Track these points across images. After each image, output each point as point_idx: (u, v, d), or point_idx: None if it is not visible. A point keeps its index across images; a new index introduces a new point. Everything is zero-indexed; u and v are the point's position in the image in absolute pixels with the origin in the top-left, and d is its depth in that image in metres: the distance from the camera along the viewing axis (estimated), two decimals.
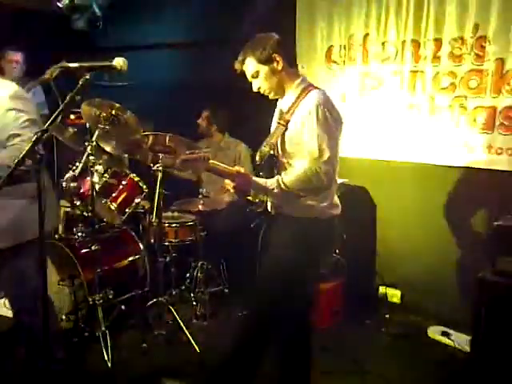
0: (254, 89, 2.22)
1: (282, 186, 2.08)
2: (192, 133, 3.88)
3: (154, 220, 3.25)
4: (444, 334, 3.27)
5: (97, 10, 4.63)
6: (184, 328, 3.13)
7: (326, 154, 2.03)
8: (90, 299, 3.03)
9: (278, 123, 2.21)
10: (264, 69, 2.14)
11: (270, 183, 2.11)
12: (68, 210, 4.02)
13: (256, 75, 2.17)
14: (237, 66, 2.21)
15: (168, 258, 3.54)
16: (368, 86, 3.58)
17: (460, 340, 3.16)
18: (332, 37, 3.70)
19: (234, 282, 3.79)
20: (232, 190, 2.21)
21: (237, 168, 2.20)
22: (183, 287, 3.69)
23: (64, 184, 2.93)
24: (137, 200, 3.34)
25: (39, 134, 2.01)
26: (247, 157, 4.04)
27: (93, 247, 2.99)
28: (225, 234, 3.71)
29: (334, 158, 2.08)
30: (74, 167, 2.97)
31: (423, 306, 3.51)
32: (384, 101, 3.53)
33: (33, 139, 2.00)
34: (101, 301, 3.01)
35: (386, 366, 2.97)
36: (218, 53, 4.12)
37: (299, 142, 2.11)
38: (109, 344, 2.89)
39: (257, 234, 3.82)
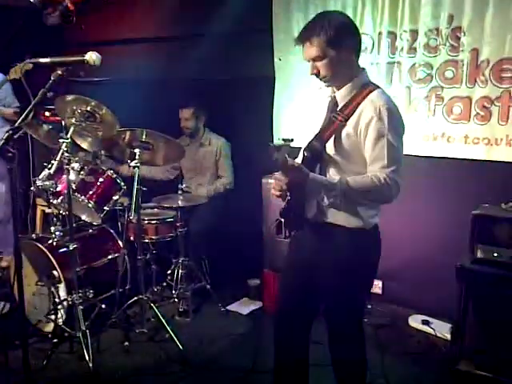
0: (311, 72, 1.99)
1: (346, 186, 1.88)
2: (169, 128, 3.84)
3: (132, 217, 3.22)
4: (424, 322, 3.31)
5: (69, 5, 4.54)
6: (166, 325, 3.11)
7: (396, 164, 1.88)
8: (69, 299, 2.98)
9: (334, 117, 1.98)
10: (331, 54, 1.91)
11: (330, 183, 1.90)
12: (44, 208, 3.97)
13: (319, 58, 1.93)
14: (297, 40, 1.97)
15: (148, 255, 3.52)
16: None
17: (440, 328, 3.21)
18: None
19: (216, 278, 3.77)
20: (277, 194, 1.96)
21: (291, 161, 1.88)
22: (164, 284, 3.68)
23: (39, 183, 2.87)
24: (115, 197, 3.29)
25: (11, 131, 1.97)
26: (227, 152, 4.02)
27: (71, 246, 2.94)
28: (206, 230, 3.69)
29: (401, 166, 1.92)
30: (50, 165, 2.90)
31: (404, 295, 3.55)
32: None
33: (4, 137, 1.95)
34: (80, 300, 2.96)
35: (368, 356, 2.98)
36: (194, 47, 4.08)
37: (360, 144, 1.93)
38: (89, 344, 2.85)
39: (238, 227, 3.84)
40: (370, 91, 1.96)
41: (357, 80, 1.99)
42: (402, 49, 3.32)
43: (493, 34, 2.99)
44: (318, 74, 1.99)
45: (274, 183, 1.98)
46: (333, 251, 2.04)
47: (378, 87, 2.00)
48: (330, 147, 1.99)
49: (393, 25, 3.33)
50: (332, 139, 1.98)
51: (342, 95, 2.02)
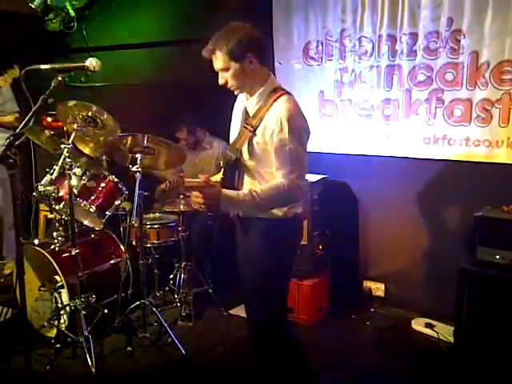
0: (220, 82, 2.08)
1: (257, 197, 2.01)
2: (170, 132, 3.85)
3: (134, 221, 3.22)
4: (428, 325, 3.30)
5: (71, 11, 4.57)
6: (169, 330, 3.11)
7: (299, 170, 2.00)
8: (72, 304, 2.98)
9: (245, 127, 2.10)
10: (234, 66, 2.00)
11: (243, 195, 2.04)
12: (47, 214, 3.98)
13: (224, 70, 2.03)
14: (205, 53, 2.06)
15: (150, 260, 3.52)
16: (345, 81, 3.59)
17: (443, 331, 3.20)
18: (308, 33, 3.69)
19: (218, 282, 3.77)
20: (201, 207, 2.06)
21: (203, 178, 2.07)
22: (167, 288, 3.68)
23: (41, 188, 2.89)
24: (117, 202, 3.30)
25: (12, 138, 1.98)
26: None
27: (73, 251, 2.95)
28: (208, 234, 3.69)
29: (305, 171, 2.07)
30: (51, 171, 2.92)
31: (407, 298, 3.54)
32: (362, 95, 3.54)
33: (5, 143, 1.96)
34: (83, 305, 2.97)
35: (372, 360, 2.99)
36: (194, 51, 4.08)
37: (268, 151, 2.04)
38: (92, 349, 2.85)
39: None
40: (275, 99, 2.04)
41: (265, 88, 2.08)
42: (402, 52, 3.32)
43: (492, 36, 2.99)
44: (226, 84, 2.08)
45: (195, 199, 2.08)
46: (251, 241, 2.18)
47: (285, 93, 2.07)
48: (244, 154, 2.11)
49: (392, 28, 3.33)
50: (245, 147, 2.09)
51: (252, 105, 2.11)
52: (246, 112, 2.16)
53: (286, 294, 2.29)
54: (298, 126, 1.99)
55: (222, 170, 2.19)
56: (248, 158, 2.11)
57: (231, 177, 2.14)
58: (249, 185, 2.14)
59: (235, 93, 2.16)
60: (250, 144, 2.08)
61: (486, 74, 3.04)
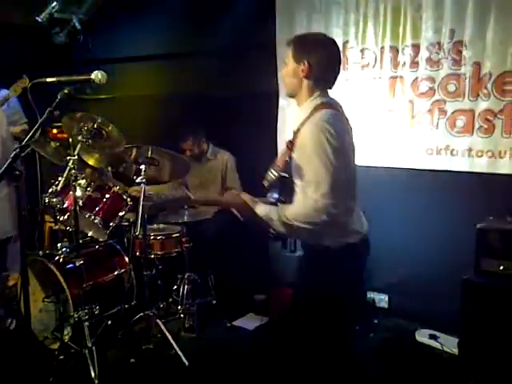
0: (280, 73, 2.14)
1: (284, 219, 1.95)
2: (175, 143, 3.88)
3: (138, 233, 3.23)
4: (432, 336, 3.28)
5: (77, 24, 4.63)
6: (172, 341, 3.10)
7: (324, 187, 1.87)
8: (76, 315, 2.99)
9: (287, 144, 2.06)
10: (291, 64, 2.02)
11: (272, 213, 1.99)
12: (52, 225, 4.00)
13: (286, 64, 2.07)
14: (287, 42, 2.08)
15: (154, 271, 3.51)
16: (348, 92, 3.61)
17: (448, 342, 3.18)
18: None
19: (222, 293, 3.77)
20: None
21: (233, 194, 2.08)
22: (170, 300, 3.67)
23: (46, 199, 2.91)
24: (121, 213, 3.31)
25: (18, 150, 2.00)
26: (233, 166, 4.04)
27: (77, 262, 2.95)
28: (211, 245, 3.70)
29: (337, 190, 1.88)
30: (57, 182, 2.94)
31: (411, 309, 3.52)
32: (364, 107, 3.56)
33: (12, 155, 1.98)
34: (86, 317, 2.97)
35: (375, 371, 2.97)
36: (197, 63, 4.13)
37: (301, 167, 1.97)
38: (95, 360, 2.85)
39: (244, 242, 3.84)
40: (319, 110, 1.97)
41: (311, 100, 2.03)
42: (405, 63, 3.35)
43: (494, 47, 3.01)
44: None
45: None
46: (299, 265, 2.16)
47: (327, 108, 1.98)
48: (287, 171, 2.04)
49: (395, 39, 3.36)
50: (286, 164, 2.03)
51: (297, 119, 2.07)
52: (293, 131, 2.10)
53: (333, 320, 2.12)
54: (323, 142, 1.87)
55: (265, 189, 2.12)
56: (292, 175, 2.03)
57: (284, 195, 2.05)
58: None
59: (285, 92, 2.14)
60: (290, 160, 2.02)
61: (489, 84, 3.06)
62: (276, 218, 1.97)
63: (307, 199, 1.92)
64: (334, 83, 2.09)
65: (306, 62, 1.98)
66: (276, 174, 2.06)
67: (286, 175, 2.04)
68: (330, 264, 2.03)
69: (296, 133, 2.03)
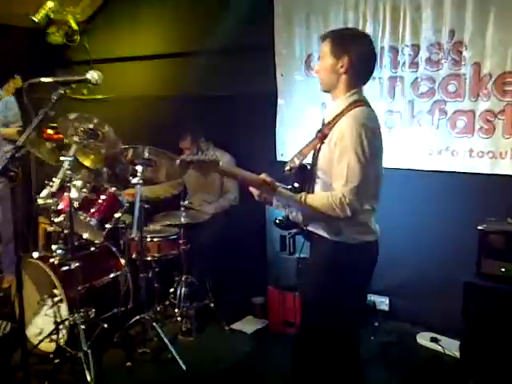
0: (315, 68, 2.16)
1: (303, 203, 1.97)
2: (172, 144, 3.84)
3: (135, 235, 3.19)
4: (433, 339, 3.25)
5: (73, 25, 4.61)
6: (169, 345, 3.06)
7: (354, 183, 1.87)
8: (71, 318, 2.94)
9: (317, 134, 2.07)
10: (328, 60, 2.01)
11: (293, 198, 2.00)
12: (47, 227, 3.95)
13: (322, 58, 2.05)
14: (320, 36, 2.10)
15: (151, 273, 3.47)
16: None
17: (449, 345, 3.15)
18: (310, 45, 3.69)
19: (220, 296, 3.73)
20: (256, 198, 2.10)
21: (263, 176, 2.02)
22: (167, 303, 3.63)
23: (41, 201, 2.87)
24: (117, 215, 3.27)
25: (14, 150, 1.97)
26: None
27: (72, 265, 2.92)
28: (209, 247, 3.66)
29: (365, 188, 1.91)
30: (52, 183, 2.90)
31: (412, 312, 3.49)
32: None
33: (7, 156, 1.95)
34: (82, 320, 2.93)
35: (376, 374, 2.93)
36: (196, 64, 4.11)
37: (332, 161, 1.96)
38: (91, 364, 2.80)
39: (242, 244, 3.81)
40: (355, 107, 1.97)
41: (347, 96, 2.02)
42: (404, 63, 3.32)
43: (494, 47, 2.99)
44: (318, 73, 2.10)
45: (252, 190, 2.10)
46: (314, 262, 2.13)
47: (364, 105, 2.00)
48: (312, 162, 2.07)
49: (394, 40, 3.33)
50: (313, 155, 2.06)
51: (330, 110, 2.07)
52: (323, 121, 2.10)
53: (349, 326, 2.17)
54: (361, 137, 1.88)
55: (285, 175, 2.13)
56: (316, 166, 2.06)
57: (302, 184, 2.09)
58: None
59: (320, 87, 2.12)
60: (318, 152, 2.04)
61: (489, 85, 3.04)
62: (297, 202, 1.98)
63: (334, 192, 1.91)
64: (368, 79, 2.10)
65: (346, 58, 1.97)
66: (299, 161, 2.08)
67: (309, 165, 2.07)
68: (349, 260, 2.01)
69: (329, 124, 2.01)
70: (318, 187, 2.07)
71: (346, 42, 2.00)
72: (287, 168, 2.12)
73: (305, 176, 2.10)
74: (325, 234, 2.05)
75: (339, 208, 1.88)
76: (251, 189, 2.09)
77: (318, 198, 1.99)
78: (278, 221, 2.19)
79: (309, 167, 2.11)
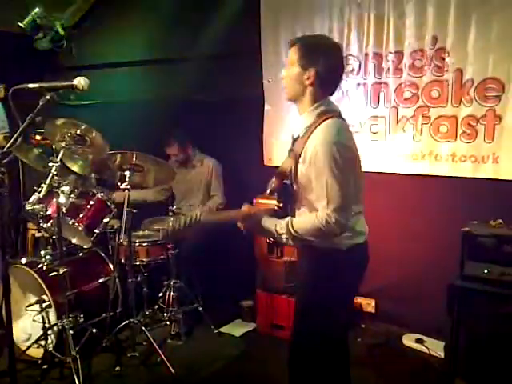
0: (281, 74, 2.06)
1: (292, 231, 1.96)
2: (160, 150, 3.86)
3: (123, 239, 3.21)
4: (418, 341, 3.30)
5: (60, 30, 4.60)
6: (158, 349, 3.07)
7: (336, 202, 1.86)
8: (60, 323, 2.94)
9: (289, 153, 2.04)
10: (295, 69, 1.96)
11: (280, 228, 1.99)
12: (35, 232, 3.94)
13: (289, 65, 2.00)
14: (288, 41, 2.04)
15: (139, 278, 3.48)
16: (333, 98, 3.60)
17: (434, 346, 3.20)
18: None
19: (208, 300, 3.74)
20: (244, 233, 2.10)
21: (245, 209, 2.05)
22: (156, 307, 3.64)
23: (29, 206, 2.87)
24: (105, 220, 3.28)
25: (0, 156, 1.97)
26: (218, 174, 4.03)
27: (61, 270, 2.92)
28: (197, 251, 3.67)
29: (347, 202, 1.90)
30: (40, 189, 2.90)
31: (397, 314, 3.54)
32: (349, 112, 3.57)
33: None
34: (71, 325, 2.93)
35: (363, 376, 2.97)
36: (183, 69, 4.13)
37: (309, 179, 1.94)
38: (80, 369, 2.81)
39: (230, 248, 3.83)
40: (321, 123, 1.93)
41: (314, 108, 1.99)
42: (388, 70, 3.38)
43: (476, 54, 3.05)
44: (283, 79, 2.05)
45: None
46: (305, 269, 2.13)
47: (332, 117, 1.96)
48: (290, 181, 2.03)
49: (378, 46, 3.39)
50: (291, 173, 2.01)
51: (300, 125, 2.02)
52: (292, 137, 2.07)
53: (341, 329, 2.19)
54: (335, 156, 1.84)
55: (276, 194, 2.12)
56: (295, 184, 2.03)
57: (284, 203, 2.08)
58: (300, 212, 2.09)
59: (286, 96, 2.07)
60: (295, 171, 1.99)
61: (471, 91, 3.10)
62: (285, 231, 1.98)
63: (319, 214, 1.91)
64: (335, 90, 2.06)
65: (313, 70, 1.93)
66: (278, 182, 2.07)
67: (289, 183, 2.04)
68: (340, 264, 2.03)
69: (300, 140, 1.97)
70: (301, 206, 2.07)
71: (315, 53, 1.93)
72: (268, 191, 2.12)
73: (286, 195, 2.08)
74: (313, 243, 2.04)
75: (326, 228, 1.89)
76: (239, 224, 2.10)
77: (304, 221, 1.99)
78: (269, 241, 2.23)
79: (289, 185, 2.07)
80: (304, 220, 2.00)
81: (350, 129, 2.09)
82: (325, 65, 1.93)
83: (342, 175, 1.86)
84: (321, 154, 1.86)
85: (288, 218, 2.01)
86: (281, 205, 2.09)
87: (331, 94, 2.06)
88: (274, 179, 2.11)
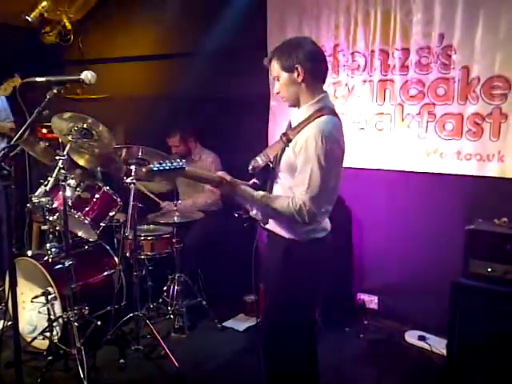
0: (274, 91, 2.17)
1: (264, 204, 2.05)
2: (164, 144, 3.87)
3: (128, 233, 3.23)
4: (421, 338, 3.31)
5: (67, 24, 4.62)
6: (162, 342, 3.10)
7: (315, 192, 1.96)
8: (65, 316, 2.97)
9: (281, 137, 2.12)
10: (284, 76, 2.06)
11: (256, 195, 2.07)
12: (41, 225, 3.97)
13: (277, 79, 2.10)
14: (265, 62, 2.15)
15: (144, 272, 3.51)
16: (339, 95, 3.63)
17: (437, 344, 3.20)
18: None
19: (212, 294, 3.77)
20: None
21: (220, 174, 2.12)
22: (160, 300, 3.67)
23: (35, 199, 2.89)
24: (111, 213, 3.30)
25: (7, 149, 1.99)
26: (219, 167, 4.03)
27: (66, 263, 2.94)
28: (201, 245, 3.69)
29: (326, 196, 2.01)
30: (46, 182, 2.92)
31: (400, 311, 3.54)
32: (355, 109, 3.58)
33: (0, 154, 1.97)
34: (76, 317, 2.95)
35: (365, 372, 2.99)
36: (188, 65, 4.14)
37: (294, 166, 2.03)
38: (85, 361, 2.83)
39: (233, 242, 3.84)
40: (320, 115, 2.02)
41: (312, 103, 2.07)
42: (395, 67, 3.37)
43: (483, 52, 3.04)
44: (279, 94, 2.13)
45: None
46: (272, 257, 2.22)
47: (329, 114, 2.04)
48: (275, 164, 2.13)
49: (385, 43, 3.38)
50: (278, 156, 2.11)
51: (296, 117, 2.12)
52: (289, 125, 2.17)
53: (307, 314, 2.27)
54: (325, 148, 1.94)
55: (255, 175, 2.19)
56: (278, 168, 2.12)
57: (263, 183, 2.16)
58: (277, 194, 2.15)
59: (287, 104, 2.16)
60: (282, 155, 2.09)
61: (477, 88, 3.09)
62: (259, 202, 2.07)
63: (295, 199, 1.99)
64: (325, 77, 2.14)
65: (298, 66, 2.02)
66: (263, 162, 2.14)
67: (272, 165, 2.13)
68: (299, 256, 2.13)
69: (294, 129, 2.06)
70: (277, 188, 2.15)
71: (290, 53, 2.03)
72: (250, 167, 2.18)
73: (266, 176, 2.17)
74: (279, 232, 2.15)
75: (298, 214, 1.97)
76: (215, 188, 2.15)
77: (278, 201, 2.05)
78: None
79: (271, 168, 2.16)
80: (279, 199, 2.06)
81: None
82: (305, 56, 2.02)
83: (327, 169, 1.96)
84: (312, 144, 1.95)
85: (265, 192, 2.10)
86: (257, 182, 2.18)
87: (323, 81, 2.13)
88: (258, 157, 2.17)
